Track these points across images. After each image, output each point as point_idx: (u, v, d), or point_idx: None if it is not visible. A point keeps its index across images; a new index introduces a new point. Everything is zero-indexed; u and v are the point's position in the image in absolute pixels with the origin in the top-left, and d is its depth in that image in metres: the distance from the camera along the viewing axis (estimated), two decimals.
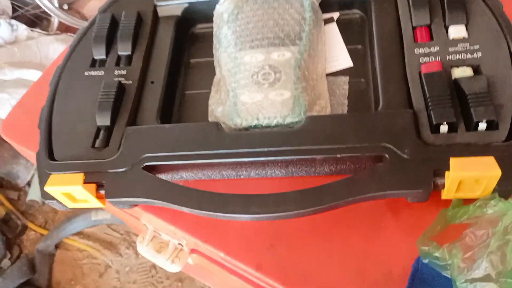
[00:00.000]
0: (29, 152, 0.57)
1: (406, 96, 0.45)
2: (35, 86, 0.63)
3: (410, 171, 0.40)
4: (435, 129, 0.41)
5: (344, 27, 0.55)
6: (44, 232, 1.42)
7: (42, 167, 0.48)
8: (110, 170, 0.46)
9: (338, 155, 0.42)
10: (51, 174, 0.47)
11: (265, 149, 0.44)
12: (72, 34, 1.43)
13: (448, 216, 0.41)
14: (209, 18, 0.57)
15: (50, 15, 1.48)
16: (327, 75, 0.52)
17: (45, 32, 1.41)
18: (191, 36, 0.60)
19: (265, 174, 0.47)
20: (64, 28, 1.51)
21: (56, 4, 1.43)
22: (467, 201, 0.40)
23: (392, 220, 0.43)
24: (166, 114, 0.52)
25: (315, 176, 0.47)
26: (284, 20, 0.52)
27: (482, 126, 0.40)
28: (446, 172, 0.39)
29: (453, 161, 0.38)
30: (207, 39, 0.58)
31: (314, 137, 0.43)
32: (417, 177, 0.39)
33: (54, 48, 1.32)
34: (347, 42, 0.54)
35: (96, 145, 0.48)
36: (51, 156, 0.49)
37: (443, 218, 0.41)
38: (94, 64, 0.55)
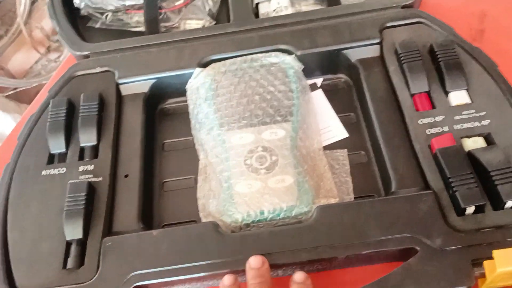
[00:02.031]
0: None
1: (419, 172, 0.41)
2: None
3: (447, 266, 0.36)
4: (461, 211, 0.38)
5: (330, 93, 0.52)
6: None
7: None
8: None
9: (364, 252, 0.38)
10: None
11: (277, 251, 0.38)
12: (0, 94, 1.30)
13: None
14: (180, 92, 0.51)
15: None
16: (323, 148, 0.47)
17: None
18: (160, 113, 0.53)
19: (276, 275, 0.41)
20: None
21: None
22: None
23: None
24: (147, 213, 0.45)
25: (330, 270, 0.42)
26: (270, 94, 0.47)
27: (510, 203, 0.38)
28: (485, 262, 0.35)
29: (497, 255, 0.34)
30: (179, 115, 0.52)
31: (332, 233, 0.38)
32: (457, 272, 0.36)
33: None
34: (336, 110, 0.50)
35: (68, 265, 0.40)
36: (12, 285, 0.39)
37: None
38: (52, 160, 0.46)
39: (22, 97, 1.38)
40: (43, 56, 1.48)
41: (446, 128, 0.43)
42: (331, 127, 0.49)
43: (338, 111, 0.50)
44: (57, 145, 0.46)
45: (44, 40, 1.48)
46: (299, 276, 0.37)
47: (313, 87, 0.52)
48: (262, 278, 0.36)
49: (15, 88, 1.37)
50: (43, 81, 1.41)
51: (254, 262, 0.37)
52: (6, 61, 1.44)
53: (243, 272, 0.39)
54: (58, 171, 0.45)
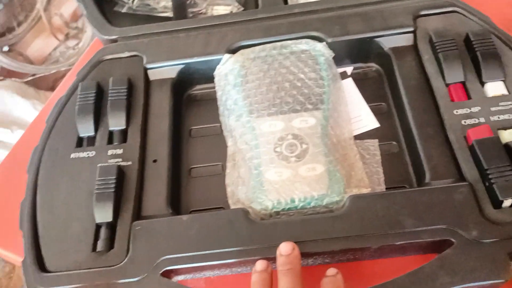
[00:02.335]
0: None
1: (453, 164, 0.41)
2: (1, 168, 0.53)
3: (483, 258, 0.35)
4: (498, 204, 0.37)
5: (361, 82, 0.51)
6: None
7: (32, 282, 0.39)
8: (121, 281, 0.38)
9: (397, 243, 0.37)
10: None
11: (309, 240, 0.38)
12: (17, 79, 1.30)
13: None
14: (208, 79, 0.51)
15: None
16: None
17: None
18: (188, 99, 0.53)
19: (306, 264, 0.41)
20: (6, 73, 1.37)
21: None
22: None
23: None
24: (175, 198, 0.44)
25: (361, 261, 0.41)
26: (301, 81, 0.47)
27: None
28: None
29: None
30: (206, 101, 0.52)
31: (365, 223, 0.38)
32: (493, 264, 0.35)
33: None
34: (367, 99, 0.49)
35: (98, 248, 0.40)
36: (41, 266, 0.39)
37: None
38: (80, 143, 0.46)
39: (40, 84, 1.39)
40: (61, 43, 1.48)
41: (482, 119, 0.42)
42: (361, 116, 0.48)
43: (368, 100, 0.49)
44: (86, 129, 0.46)
45: (63, 27, 1.48)
46: (330, 270, 0.36)
47: (343, 75, 0.51)
48: (291, 265, 0.36)
49: (34, 75, 1.38)
50: (61, 68, 1.41)
51: (284, 248, 0.37)
52: (25, 47, 1.45)
53: (273, 259, 0.38)
54: (87, 154, 0.45)
